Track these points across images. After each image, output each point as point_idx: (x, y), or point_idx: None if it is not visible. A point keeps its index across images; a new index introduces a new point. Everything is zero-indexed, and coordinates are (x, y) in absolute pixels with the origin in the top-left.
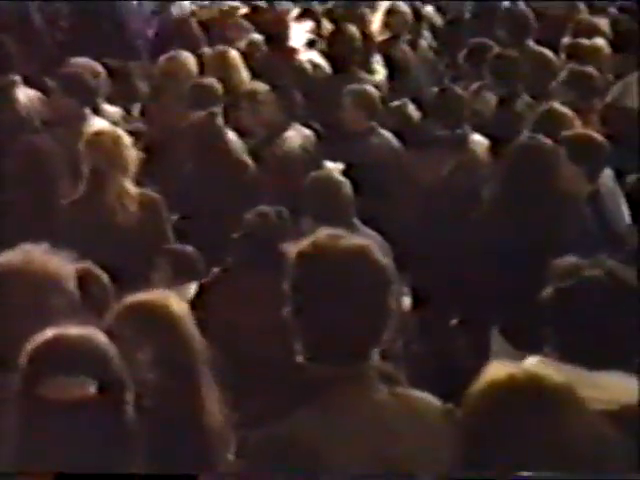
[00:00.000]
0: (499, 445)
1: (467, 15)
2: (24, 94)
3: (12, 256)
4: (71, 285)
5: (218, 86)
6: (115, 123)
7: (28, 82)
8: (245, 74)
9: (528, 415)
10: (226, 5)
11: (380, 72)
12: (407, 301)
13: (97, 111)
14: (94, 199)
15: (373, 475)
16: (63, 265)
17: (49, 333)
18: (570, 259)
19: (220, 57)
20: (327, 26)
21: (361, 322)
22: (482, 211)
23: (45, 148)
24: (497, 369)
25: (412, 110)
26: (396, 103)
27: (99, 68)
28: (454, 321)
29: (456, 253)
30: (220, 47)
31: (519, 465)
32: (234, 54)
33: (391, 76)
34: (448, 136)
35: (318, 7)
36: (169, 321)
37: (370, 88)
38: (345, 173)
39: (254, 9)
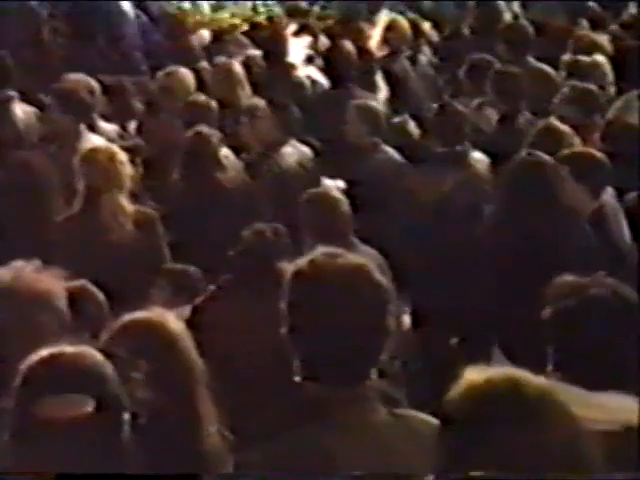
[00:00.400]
0: (478, 449)
1: (466, 31)
2: (20, 110)
3: (1, 274)
4: (62, 303)
5: (214, 103)
6: (111, 140)
7: (25, 98)
8: (247, 88)
9: (506, 418)
10: (226, 22)
11: (380, 88)
12: (407, 320)
13: (93, 128)
14: (89, 216)
15: (372, 475)
16: (54, 283)
17: (44, 351)
18: (573, 277)
19: (223, 70)
20: (325, 42)
21: (359, 341)
22: (483, 229)
23: (39, 164)
24: (475, 373)
25: (412, 126)
26: (396, 119)
27: (94, 84)
28: (454, 340)
29: (457, 271)
30: (223, 60)
31: (498, 468)
32: (237, 68)
33: (391, 92)
34: (448, 153)
35: (316, 23)
36: (166, 340)
37: (374, 103)
38: (346, 189)
39: (253, 25)
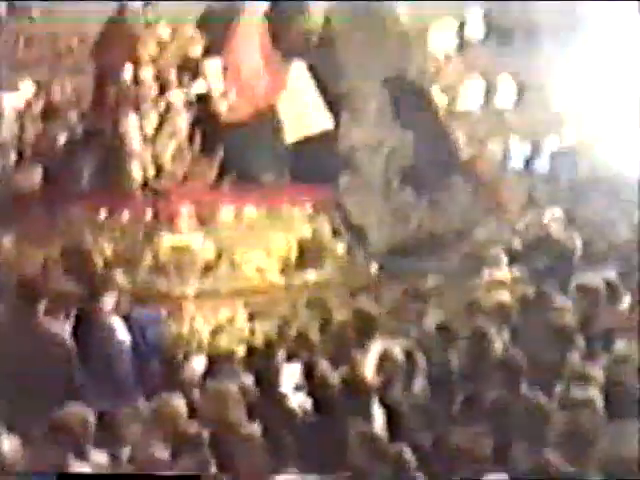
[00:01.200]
0: None
1: (456, 362)
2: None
3: None
4: None
5: (206, 432)
6: (101, 469)
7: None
8: (242, 415)
9: None
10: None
11: (375, 416)
12: None
13: (82, 456)
14: None
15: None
16: None
17: None
18: None
19: (217, 398)
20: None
21: None
22: None
23: None
24: None
25: (409, 455)
26: (392, 448)
27: (88, 414)
28: None
29: None
30: (217, 386)
31: None
32: (232, 395)
33: (386, 420)
34: None
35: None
36: None
37: (374, 431)
38: None
39: (249, 350)
